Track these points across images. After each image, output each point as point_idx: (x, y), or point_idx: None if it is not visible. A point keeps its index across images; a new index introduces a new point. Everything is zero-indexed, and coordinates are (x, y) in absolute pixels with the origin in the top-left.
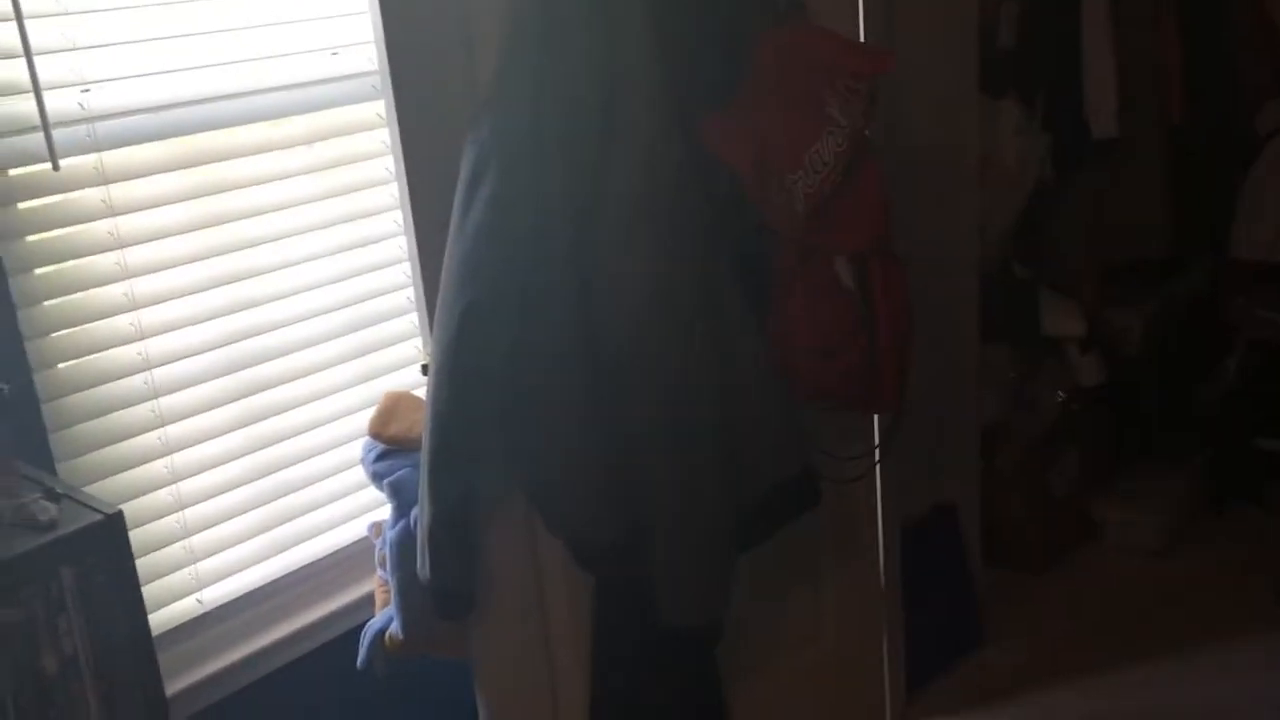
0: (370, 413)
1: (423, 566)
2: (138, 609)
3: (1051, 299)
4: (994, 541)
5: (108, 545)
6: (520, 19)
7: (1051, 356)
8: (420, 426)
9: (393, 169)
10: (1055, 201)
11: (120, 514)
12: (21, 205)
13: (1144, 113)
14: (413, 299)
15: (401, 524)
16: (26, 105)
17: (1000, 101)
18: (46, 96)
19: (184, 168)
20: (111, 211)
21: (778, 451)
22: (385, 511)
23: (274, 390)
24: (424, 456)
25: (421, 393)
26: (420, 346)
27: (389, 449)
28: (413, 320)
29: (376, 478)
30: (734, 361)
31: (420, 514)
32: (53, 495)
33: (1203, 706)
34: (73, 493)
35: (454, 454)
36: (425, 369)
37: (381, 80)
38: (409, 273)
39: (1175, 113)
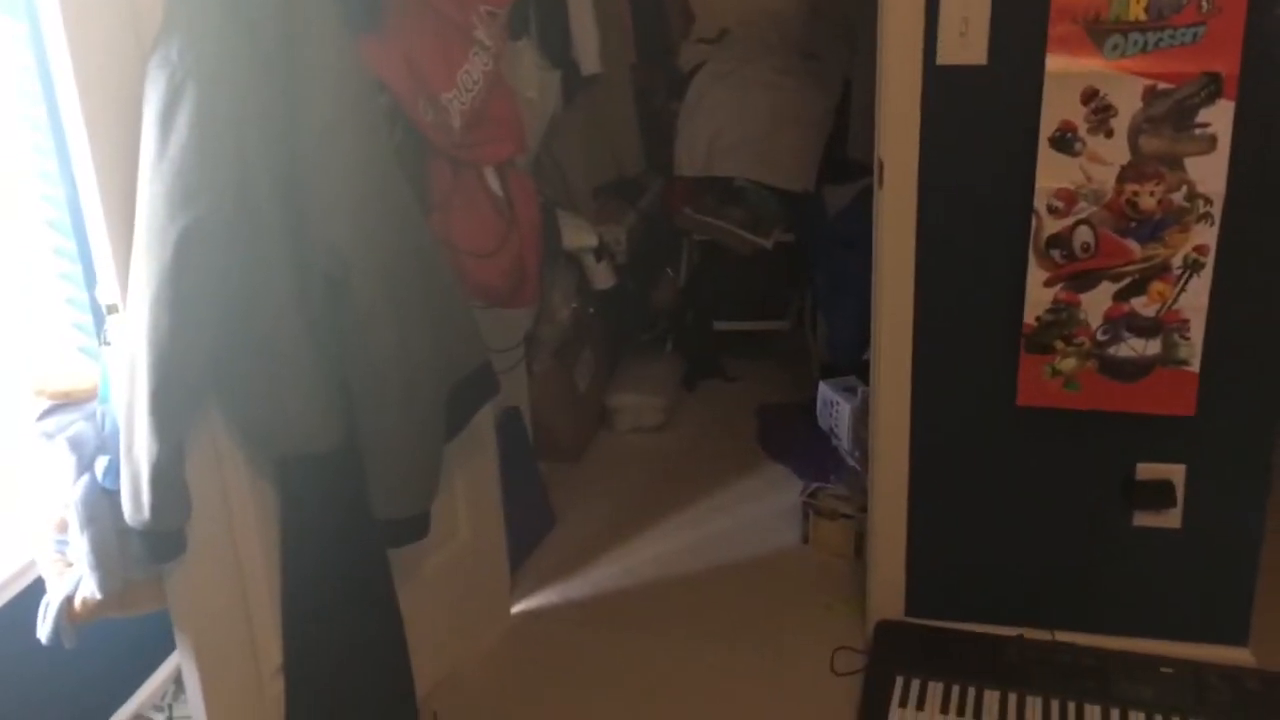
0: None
1: (139, 512)
2: None
3: (566, 216)
4: (535, 436)
5: None
6: None
7: (562, 269)
8: (84, 378)
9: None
10: (558, 131)
11: None
12: None
13: (614, 54)
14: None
15: (86, 479)
16: None
17: (518, 42)
18: None
19: None
20: None
21: (467, 344)
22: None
23: None
24: (140, 397)
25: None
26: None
27: (53, 405)
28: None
29: (46, 437)
30: (430, 264)
31: (136, 458)
32: None
33: (717, 533)
34: None
35: (179, 387)
36: (110, 309)
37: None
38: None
39: (631, 54)
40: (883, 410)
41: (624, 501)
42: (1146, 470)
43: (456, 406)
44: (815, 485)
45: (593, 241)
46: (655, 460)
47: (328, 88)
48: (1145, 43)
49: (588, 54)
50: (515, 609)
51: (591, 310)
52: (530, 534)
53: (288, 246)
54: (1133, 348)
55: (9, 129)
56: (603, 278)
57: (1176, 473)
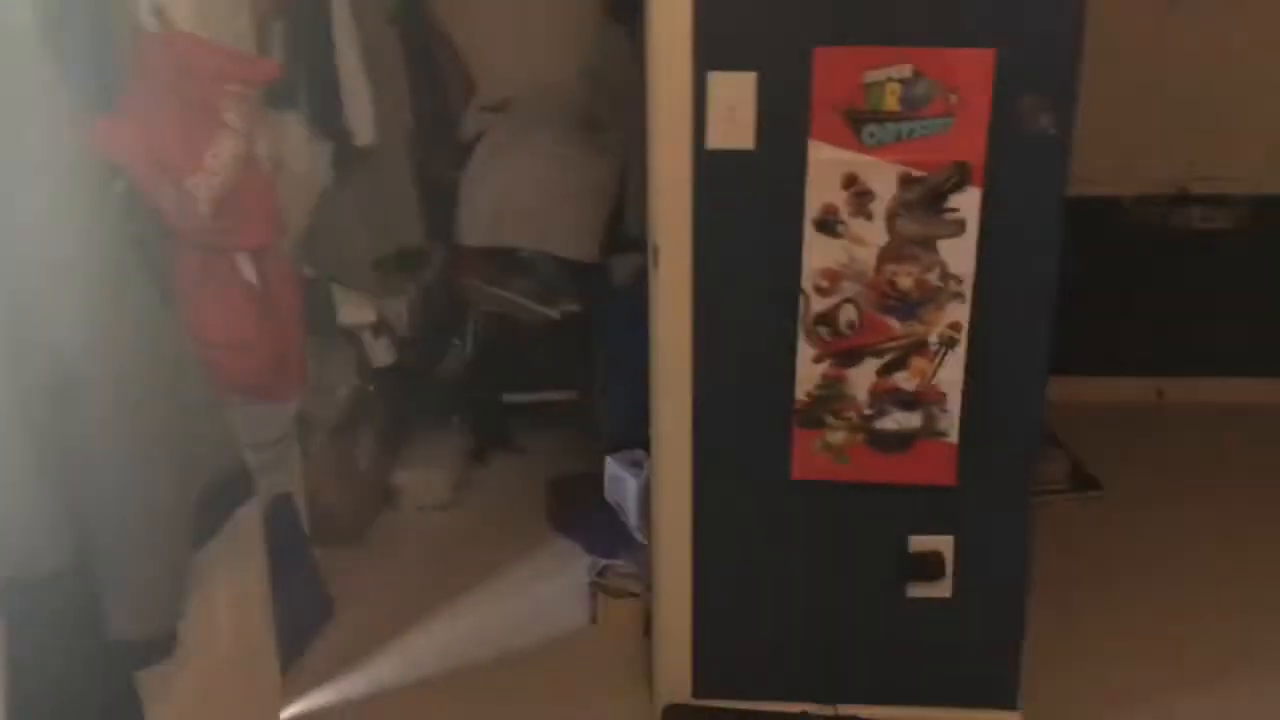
0: None
1: None
2: None
3: (342, 292)
4: (312, 520)
5: None
6: None
7: (339, 346)
8: None
9: None
10: (332, 203)
11: None
12: None
13: (391, 122)
14: None
15: None
16: None
17: (286, 114)
18: None
19: None
20: None
21: (218, 446)
22: None
23: None
24: None
25: None
26: None
27: None
28: None
29: None
30: (170, 361)
31: None
32: None
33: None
34: None
35: None
36: None
37: None
38: None
39: (409, 120)
40: (664, 486)
41: (408, 585)
42: (918, 542)
43: (207, 512)
44: (604, 563)
45: (370, 318)
46: (442, 539)
47: (48, 172)
48: (899, 132)
49: (361, 123)
50: (287, 713)
51: (371, 387)
52: (305, 627)
53: (4, 352)
54: (897, 421)
55: None
56: (381, 354)
57: (946, 544)
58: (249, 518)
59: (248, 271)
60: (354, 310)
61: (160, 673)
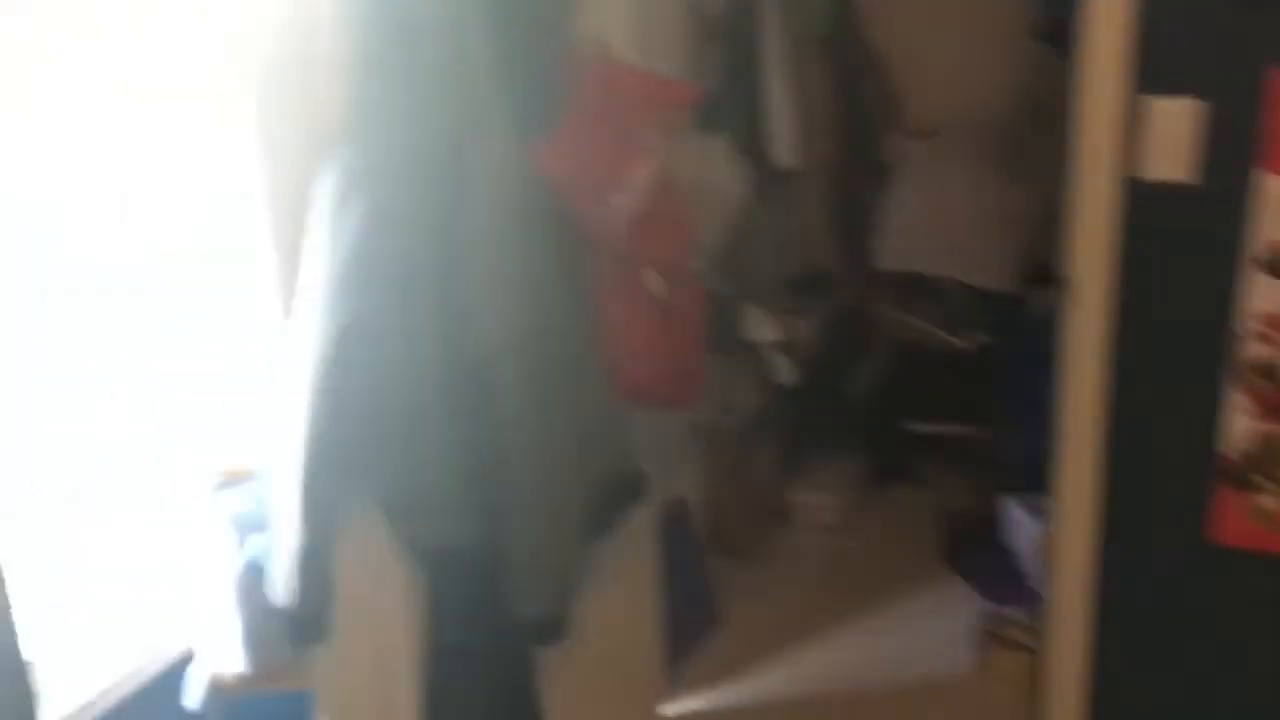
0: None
1: (285, 595)
2: None
3: (752, 309)
4: (706, 530)
5: None
6: (374, 49)
7: (746, 362)
8: (252, 456)
9: None
10: (750, 223)
11: None
12: None
13: (813, 144)
14: None
15: (244, 558)
16: None
17: (712, 136)
18: None
19: None
20: None
21: (618, 448)
22: None
23: None
24: (293, 484)
25: None
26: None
27: (223, 482)
28: None
29: (212, 513)
30: (580, 365)
31: (285, 542)
32: None
33: (889, 648)
34: None
35: (328, 475)
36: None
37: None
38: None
39: (832, 144)
40: (1064, 536)
41: (795, 604)
42: None
43: (603, 509)
44: (996, 609)
45: (777, 335)
46: (833, 562)
47: (492, 192)
48: None
49: (784, 147)
50: (670, 710)
51: (774, 405)
52: (691, 632)
53: (440, 345)
54: None
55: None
56: (786, 372)
57: None
58: (644, 519)
59: (656, 286)
60: (762, 327)
61: (553, 652)
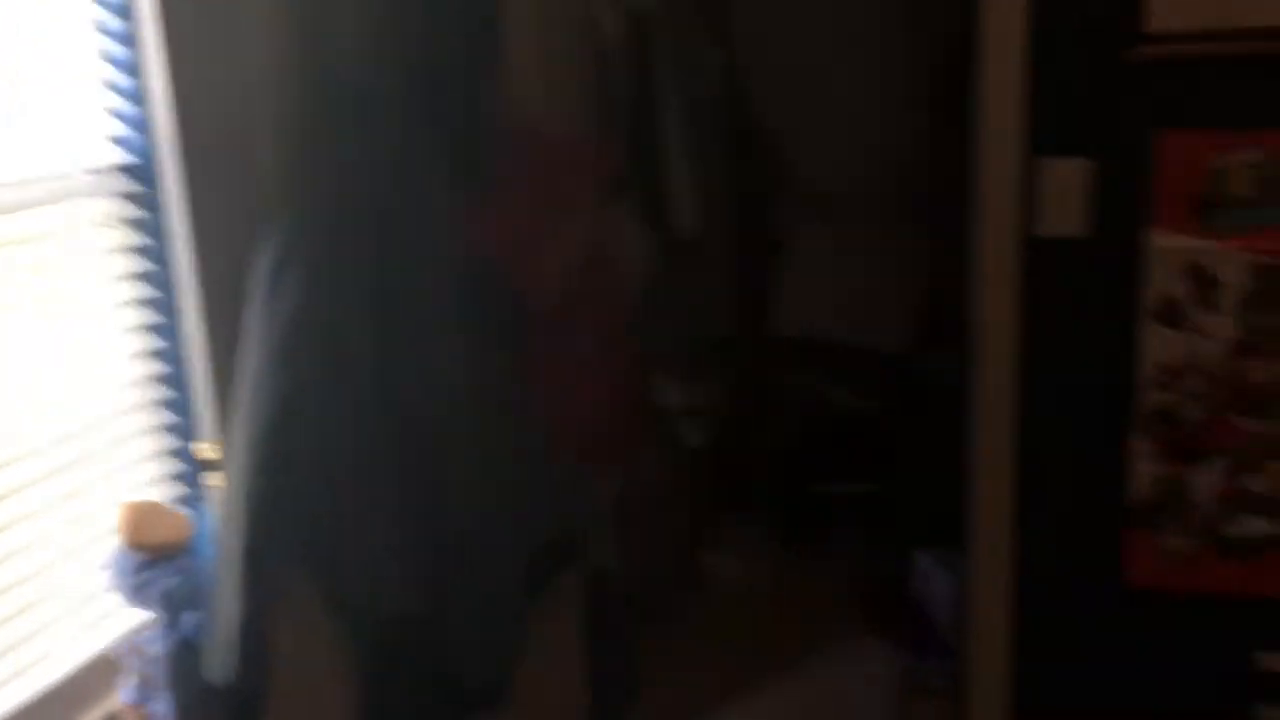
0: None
1: (222, 671)
2: None
3: (661, 375)
4: (625, 598)
5: None
6: (307, 118)
7: (656, 428)
8: (178, 532)
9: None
10: (655, 291)
11: None
12: None
13: (712, 212)
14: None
15: (174, 635)
16: None
17: (617, 204)
18: None
19: None
20: None
21: (553, 509)
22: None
23: None
24: (230, 553)
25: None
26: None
27: (149, 559)
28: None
29: (139, 591)
30: (523, 427)
31: (222, 615)
32: None
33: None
34: None
35: (267, 547)
36: (205, 463)
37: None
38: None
39: (731, 213)
40: (979, 587)
41: (711, 668)
42: (1270, 660)
43: (539, 570)
44: (913, 663)
45: (688, 400)
46: (747, 624)
47: (428, 259)
48: (1252, 218)
49: (685, 215)
50: None
51: (686, 469)
52: (614, 700)
53: (380, 411)
54: (1245, 528)
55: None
56: (697, 436)
57: None
58: (572, 580)
59: (589, 347)
60: (672, 392)
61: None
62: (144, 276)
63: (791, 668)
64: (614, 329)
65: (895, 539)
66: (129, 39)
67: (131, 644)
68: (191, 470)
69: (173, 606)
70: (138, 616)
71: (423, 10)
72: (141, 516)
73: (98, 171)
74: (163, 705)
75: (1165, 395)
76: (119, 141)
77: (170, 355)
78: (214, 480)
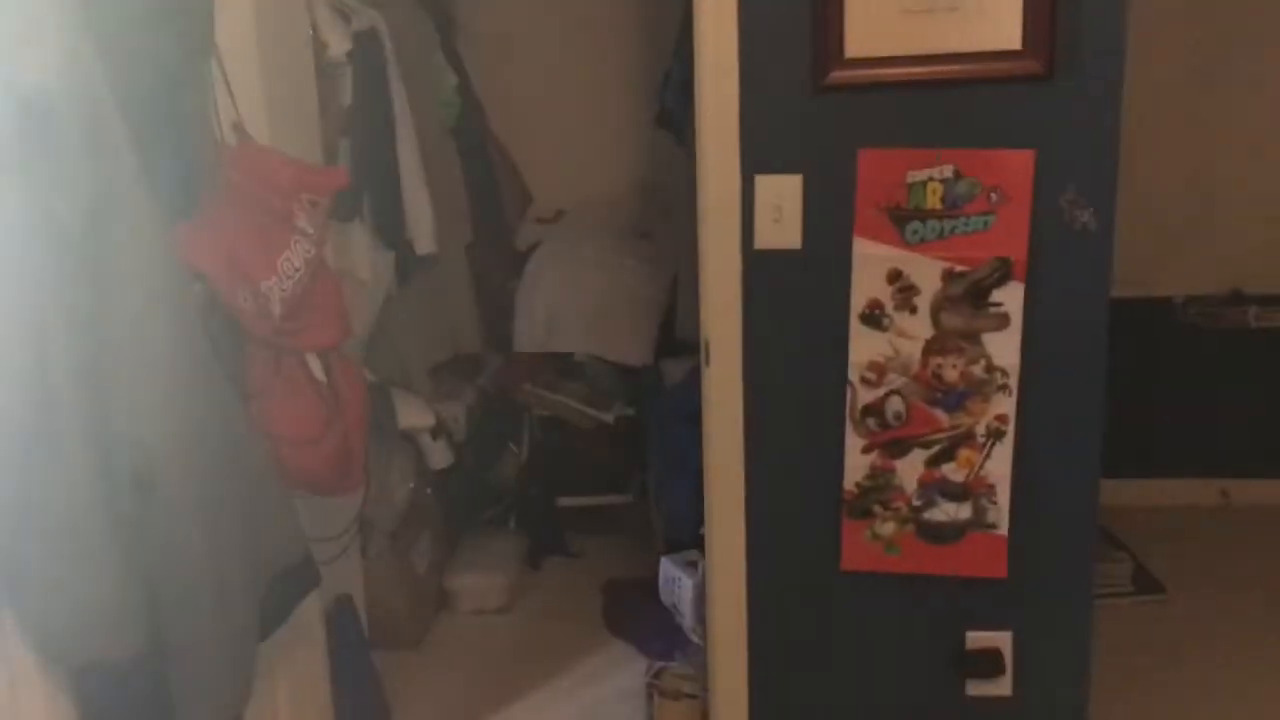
0: None
1: None
2: None
3: (401, 395)
4: (369, 623)
5: None
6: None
7: (398, 449)
8: None
9: None
10: (394, 311)
11: None
12: None
13: (450, 233)
14: None
15: None
16: None
17: (350, 223)
18: None
19: None
20: None
21: (285, 537)
22: None
23: None
24: None
25: None
26: None
27: None
28: None
29: None
30: (242, 455)
31: None
32: None
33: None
34: None
35: None
36: None
37: None
38: None
39: (468, 232)
40: (718, 584)
41: (463, 690)
42: (975, 638)
43: (273, 602)
44: (660, 665)
45: (429, 421)
46: (498, 643)
47: (137, 280)
48: (942, 229)
49: (422, 234)
50: None
51: (429, 490)
52: None
53: (90, 440)
54: (946, 512)
55: None
56: (439, 457)
57: (1004, 640)
58: (311, 612)
59: (316, 371)
60: (413, 414)
61: None
62: None
63: (542, 681)
64: (343, 350)
65: (639, 546)
66: None
67: None
68: None
69: None
70: None
71: (135, 26)
72: None
73: None
74: None
75: (870, 391)
76: None
77: None
78: None
